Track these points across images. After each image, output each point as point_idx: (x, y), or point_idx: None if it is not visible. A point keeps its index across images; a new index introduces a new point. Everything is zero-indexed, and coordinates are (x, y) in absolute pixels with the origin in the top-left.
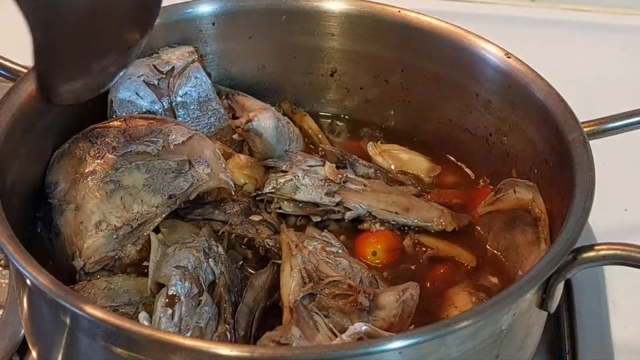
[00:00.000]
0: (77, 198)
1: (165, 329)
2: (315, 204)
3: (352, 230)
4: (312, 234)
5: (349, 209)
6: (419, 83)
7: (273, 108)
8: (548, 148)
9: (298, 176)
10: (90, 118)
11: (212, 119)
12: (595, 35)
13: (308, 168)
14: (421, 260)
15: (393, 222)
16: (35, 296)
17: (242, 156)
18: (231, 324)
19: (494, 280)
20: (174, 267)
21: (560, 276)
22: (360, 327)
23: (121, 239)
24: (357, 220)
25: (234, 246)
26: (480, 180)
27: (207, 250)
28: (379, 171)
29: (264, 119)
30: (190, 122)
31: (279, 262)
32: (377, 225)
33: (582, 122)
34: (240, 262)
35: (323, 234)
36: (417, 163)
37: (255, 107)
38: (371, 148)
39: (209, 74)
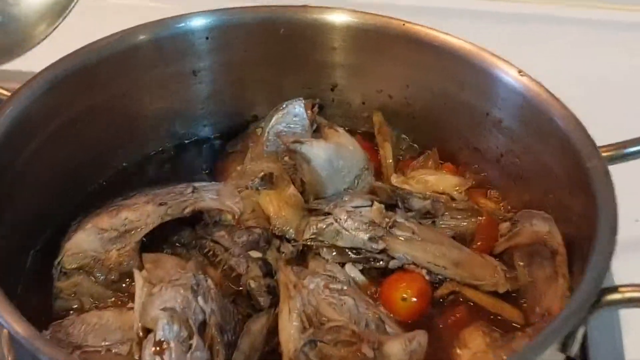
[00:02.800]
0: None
1: None
2: (357, 250)
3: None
4: (315, 269)
5: (394, 257)
6: (424, 99)
7: (350, 143)
8: (564, 174)
9: (340, 219)
10: None
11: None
12: (597, 33)
13: (353, 209)
14: (444, 302)
15: (439, 276)
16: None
17: (291, 189)
18: None
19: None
20: (161, 309)
21: (583, 320)
22: None
23: (106, 242)
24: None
25: (228, 277)
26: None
27: (195, 287)
28: (437, 202)
29: (317, 146)
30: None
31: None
32: (423, 271)
33: (601, 147)
34: (232, 298)
35: (328, 267)
36: (446, 180)
37: (331, 138)
38: (395, 178)
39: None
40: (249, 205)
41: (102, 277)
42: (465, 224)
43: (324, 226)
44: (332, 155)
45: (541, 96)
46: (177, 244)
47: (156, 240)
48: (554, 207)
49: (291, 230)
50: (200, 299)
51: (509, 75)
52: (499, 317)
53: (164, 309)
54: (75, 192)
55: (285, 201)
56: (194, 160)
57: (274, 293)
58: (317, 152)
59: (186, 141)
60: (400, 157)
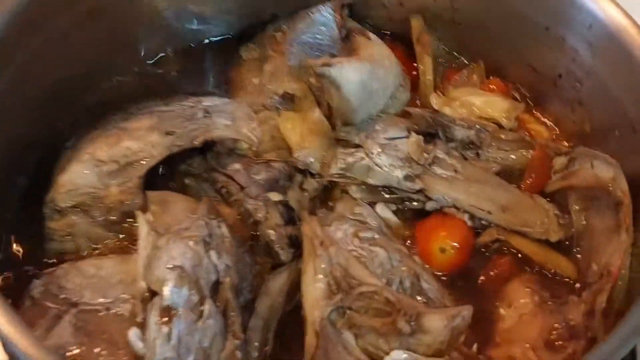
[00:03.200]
0: (78, 143)
1: (161, 355)
2: (391, 189)
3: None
4: (342, 213)
5: (431, 199)
6: (473, 3)
7: (385, 57)
8: (634, 108)
9: (372, 153)
10: None
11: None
12: None
13: (387, 142)
14: (486, 252)
15: (483, 221)
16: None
17: (316, 113)
18: (241, 339)
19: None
20: (168, 267)
21: None
22: (400, 355)
23: (105, 176)
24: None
25: (244, 221)
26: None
27: (207, 239)
28: (482, 131)
29: (348, 70)
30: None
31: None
32: (465, 216)
33: None
34: (249, 244)
35: (357, 210)
36: (495, 104)
37: (362, 53)
38: (435, 99)
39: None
40: (267, 131)
41: (100, 217)
42: (513, 157)
43: (354, 161)
44: (365, 77)
45: (615, 19)
46: (186, 175)
47: (162, 170)
48: (618, 146)
49: (316, 163)
50: (213, 253)
51: None
52: (549, 271)
53: (171, 268)
54: (68, 110)
55: (309, 127)
56: (201, 68)
57: (297, 245)
58: (349, 75)
59: (192, 44)
60: (441, 68)
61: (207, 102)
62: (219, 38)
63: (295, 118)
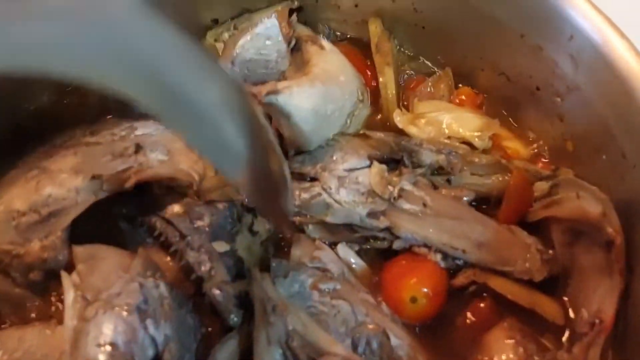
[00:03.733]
0: None
1: None
2: (353, 227)
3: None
4: (299, 259)
5: (399, 237)
6: (439, 6)
7: (340, 70)
8: (623, 131)
9: (330, 188)
10: None
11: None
12: None
13: (346, 174)
14: (462, 295)
15: (457, 261)
16: None
17: None
18: None
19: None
20: (98, 345)
21: None
22: None
23: (24, 229)
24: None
25: (187, 274)
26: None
27: (142, 306)
28: (453, 154)
29: (298, 96)
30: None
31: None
32: (437, 257)
33: None
34: (192, 301)
35: (316, 254)
36: (466, 121)
37: (314, 69)
38: (399, 117)
39: None
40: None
41: (21, 278)
42: (489, 182)
43: (310, 197)
44: (318, 102)
45: (599, 28)
46: (120, 218)
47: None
48: (606, 171)
49: None
50: (149, 323)
51: None
52: (534, 315)
53: (101, 346)
54: None
55: None
56: None
57: (247, 304)
58: (299, 102)
59: None
60: (405, 76)
61: (140, 130)
62: None
63: None
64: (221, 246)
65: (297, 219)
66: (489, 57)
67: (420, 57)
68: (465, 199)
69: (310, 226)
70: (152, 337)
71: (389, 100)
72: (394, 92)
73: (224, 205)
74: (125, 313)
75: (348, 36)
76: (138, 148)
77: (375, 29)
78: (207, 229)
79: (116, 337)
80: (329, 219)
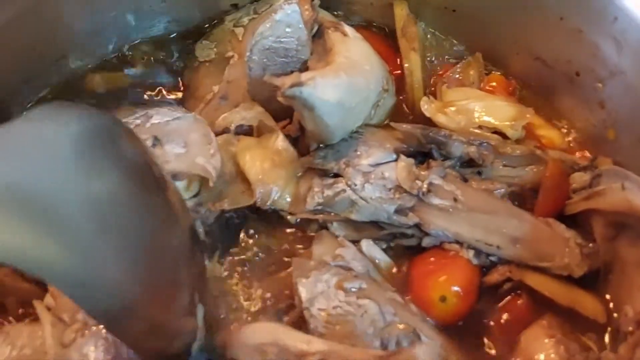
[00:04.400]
0: None
1: None
2: (380, 224)
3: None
4: (321, 258)
5: (429, 234)
6: None
7: (365, 58)
8: None
9: (355, 185)
10: None
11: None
12: None
13: (371, 169)
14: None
15: (491, 258)
16: None
17: (279, 140)
18: None
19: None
20: None
21: None
22: None
23: None
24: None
25: None
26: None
27: None
28: (484, 145)
29: (323, 87)
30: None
31: None
32: (469, 253)
33: None
34: None
35: (338, 252)
36: (499, 110)
37: (337, 58)
38: (426, 105)
39: None
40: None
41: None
42: (522, 174)
43: (333, 194)
44: (342, 94)
45: None
46: None
47: None
48: None
49: (282, 200)
50: None
51: None
52: (573, 313)
53: None
54: None
55: (271, 158)
56: (150, 73)
57: None
58: (324, 94)
59: (139, 41)
60: (433, 61)
61: (155, 117)
62: (169, 34)
63: (254, 147)
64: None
65: (320, 216)
66: (524, 40)
67: (449, 42)
68: (497, 192)
69: (335, 223)
70: None
71: (415, 88)
72: (420, 78)
73: None
74: (104, 332)
75: (373, 23)
76: (156, 141)
77: (401, 11)
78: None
79: (99, 356)
80: (354, 216)
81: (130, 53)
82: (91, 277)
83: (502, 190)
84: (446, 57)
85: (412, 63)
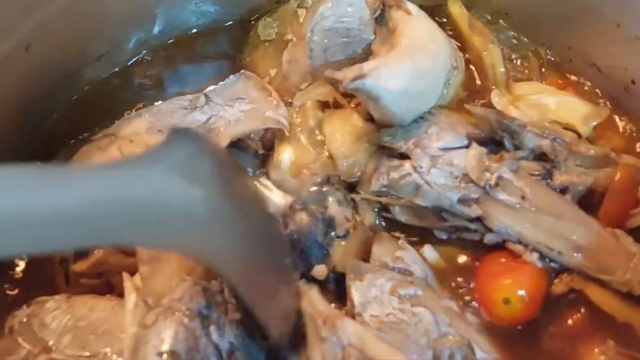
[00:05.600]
0: None
1: None
2: (442, 214)
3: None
4: (380, 258)
5: (491, 230)
6: None
7: (431, 38)
8: None
9: (421, 167)
10: None
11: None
12: None
13: (440, 153)
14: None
15: (553, 264)
16: None
17: (355, 117)
18: None
19: None
20: (158, 353)
21: None
22: None
23: None
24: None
25: None
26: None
27: (204, 312)
28: (559, 141)
29: (386, 77)
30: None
31: None
32: (533, 256)
33: None
34: None
35: (398, 254)
36: (572, 107)
37: (402, 41)
38: (497, 98)
39: None
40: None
41: None
42: (595, 175)
43: (399, 176)
44: (407, 81)
45: None
46: None
47: None
48: None
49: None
50: (213, 330)
51: None
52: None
53: (161, 355)
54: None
55: (350, 130)
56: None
57: None
58: (388, 84)
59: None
60: None
61: (210, 88)
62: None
63: (335, 118)
64: (321, 271)
65: (383, 199)
66: (579, 46)
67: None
68: (580, 188)
69: (397, 208)
70: (216, 344)
71: (498, 81)
72: (503, 71)
73: (318, 210)
74: (186, 319)
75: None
76: (207, 98)
77: (458, 10)
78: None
79: (177, 345)
80: (417, 200)
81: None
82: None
83: (580, 190)
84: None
85: (494, 55)
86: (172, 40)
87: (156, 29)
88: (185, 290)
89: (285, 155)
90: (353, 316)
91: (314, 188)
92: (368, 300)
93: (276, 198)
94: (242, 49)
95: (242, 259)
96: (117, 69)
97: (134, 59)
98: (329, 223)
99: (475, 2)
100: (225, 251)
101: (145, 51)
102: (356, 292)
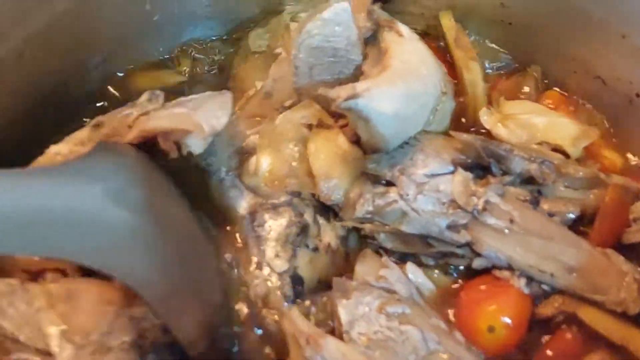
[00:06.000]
0: None
1: None
2: (428, 240)
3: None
4: (363, 278)
5: (481, 255)
6: (529, 3)
7: (422, 61)
8: None
9: (407, 195)
10: None
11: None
12: None
13: (426, 180)
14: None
15: (544, 286)
16: None
17: (341, 138)
18: None
19: None
20: None
21: None
22: None
23: None
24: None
25: None
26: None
27: (139, 341)
28: (546, 164)
29: (378, 99)
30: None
31: None
32: (521, 282)
33: None
34: None
35: (382, 272)
36: (562, 128)
37: (393, 63)
38: (485, 116)
39: None
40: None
41: None
42: (584, 197)
43: (385, 203)
44: (399, 105)
45: None
46: None
47: None
48: None
49: (341, 200)
50: (152, 358)
51: None
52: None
53: None
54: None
55: (334, 151)
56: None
57: None
58: (380, 106)
59: (185, 39)
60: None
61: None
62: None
63: (320, 138)
64: (281, 265)
65: (368, 225)
66: (583, 58)
67: (500, 54)
68: (568, 215)
69: (382, 235)
70: None
71: (477, 98)
72: (483, 88)
73: (294, 213)
74: (121, 353)
75: (426, 34)
76: (152, 96)
77: (448, 22)
78: (269, 237)
79: None
80: (404, 227)
81: (177, 51)
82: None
83: (571, 215)
84: (494, 67)
85: (473, 73)
86: (167, 51)
87: (152, 40)
88: (111, 323)
89: (264, 163)
90: (340, 334)
91: (283, 198)
92: (355, 318)
93: (246, 197)
94: (232, 60)
95: (161, 278)
96: (112, 79)
97: (129, 69)
98: (303, 229)
99: (477, 13)
100: (143, 270)
101: (140, 62)
102: (343, 310)
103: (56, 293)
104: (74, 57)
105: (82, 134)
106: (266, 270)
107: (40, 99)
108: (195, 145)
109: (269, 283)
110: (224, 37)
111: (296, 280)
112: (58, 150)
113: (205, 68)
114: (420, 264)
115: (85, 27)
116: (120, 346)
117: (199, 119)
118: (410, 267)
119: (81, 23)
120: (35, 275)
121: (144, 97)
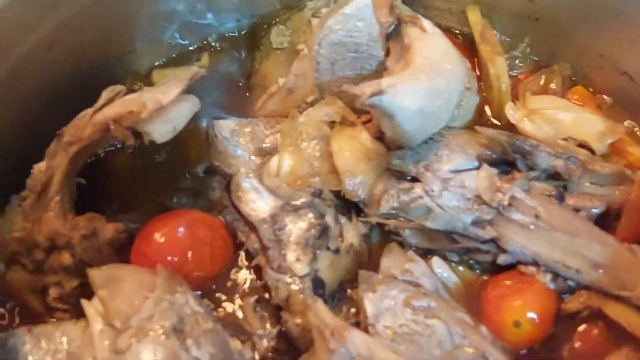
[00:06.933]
0: None
1: None
2: (454, 235)
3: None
4: (389, 271)
5: (506, 251)
6: None
7: (445, 56)
8: None
9: (432, 191)
10: None
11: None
12: None
13: (451, 176)
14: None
15: (570, 282)
16: None
17: (364, 135)
18: None
19: None
20: None
21: None
22: None
23: (28, 212)
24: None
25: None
26: None
27: (179, 326)
28: (572, 159)
29: (403, 95)
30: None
31: None
32: (547, 277)
33: None
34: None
35: (407, 266)
36: (588, 124)
37: (417, 59)
38: (511, 111)
39: None
40: (300, 152)
41: (30, 264)
42: (609, 193)
43: (409, 199)
44: (423, 101)
45: None
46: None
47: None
48: None
49: (366, 197)
50: (190, 344)
51: None
52: None
53: None
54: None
55: (358, 148)
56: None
57: None
58: (404, 102)
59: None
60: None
61: None
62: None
63: (343, 135)
64: (302, 268)
65: (392, 221)
66: (611, 54)
67: (527, 50)
68: (594, 211)
69: (407, 231)
70: (196, 358)
71: (502, 93)
72: (508, 83)
73: (315, 214)
74: (162, 337)
75: (452, 30)
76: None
77: (475, 17)
78: (290, 241)
79: None
80: (428, 223)
81: (197, 46)
82: None
83: (597, 210)
84: (520, 66)
85: (498, 67)
86: (190, 46)
87: (175, 34)
88: (152, 308)
89: (286, 163)
90: (366, 327)
91: (303, 199)
92: (381, 311)
93: (266, 200)
94: (254, 56)
95: None
96: (137, 71)
97: (152, 64)
98: (324, 231)
99: (505, 8)
100: None
101: (163, 57)
102: (369, 303)
103: (96, 278)
104: (100, 50)
105: (51, 147)
106: (287, 274)
107: (66, 91)
108: (157, 132)
109: (290, 287)
110: (245, 33)
111: (317, 283)
112: (40, 168)
113: (225, 65)
114: (444, 260)
115: (111, 20)
116: (160, 330)
117: (145, 98)
118: (436, 261)
119: (108, 16)
120: None
121: (103, 94)
